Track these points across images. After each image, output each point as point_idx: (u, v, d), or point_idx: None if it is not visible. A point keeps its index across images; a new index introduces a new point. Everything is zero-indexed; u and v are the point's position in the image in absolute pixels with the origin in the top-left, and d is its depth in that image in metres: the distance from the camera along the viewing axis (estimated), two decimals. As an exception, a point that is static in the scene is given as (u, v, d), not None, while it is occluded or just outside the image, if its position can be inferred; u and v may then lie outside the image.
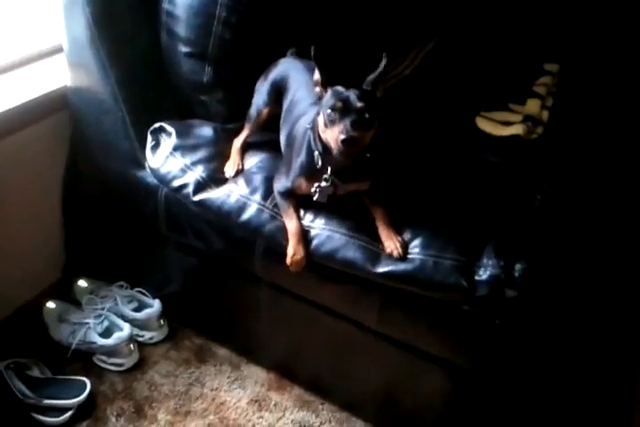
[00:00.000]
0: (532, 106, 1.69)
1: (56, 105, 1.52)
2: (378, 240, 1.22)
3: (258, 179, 1.36)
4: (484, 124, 1.61)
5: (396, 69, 1.89)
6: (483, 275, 1.13)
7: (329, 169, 1.20)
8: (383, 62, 1.21)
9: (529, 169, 1.43)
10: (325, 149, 1.18)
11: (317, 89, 1.21)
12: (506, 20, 2.08)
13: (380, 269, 1.19)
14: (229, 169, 1.38)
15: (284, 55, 1.46)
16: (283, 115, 1.37)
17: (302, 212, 1.28)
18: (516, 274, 1.12)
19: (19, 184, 1.54)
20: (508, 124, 1.61)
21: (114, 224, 1.64)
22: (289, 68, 1.39)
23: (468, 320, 1.19)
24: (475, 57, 1.93)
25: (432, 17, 2.11)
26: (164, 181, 1.39)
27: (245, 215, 1.31)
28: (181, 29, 1.43)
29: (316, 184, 1.22)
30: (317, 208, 1.27)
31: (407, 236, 1.22)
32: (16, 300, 1.65)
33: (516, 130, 1.57)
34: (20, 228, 1.58)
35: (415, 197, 1.31)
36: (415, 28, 2.04)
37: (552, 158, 1.48)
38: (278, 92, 1.38)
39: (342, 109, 1.12)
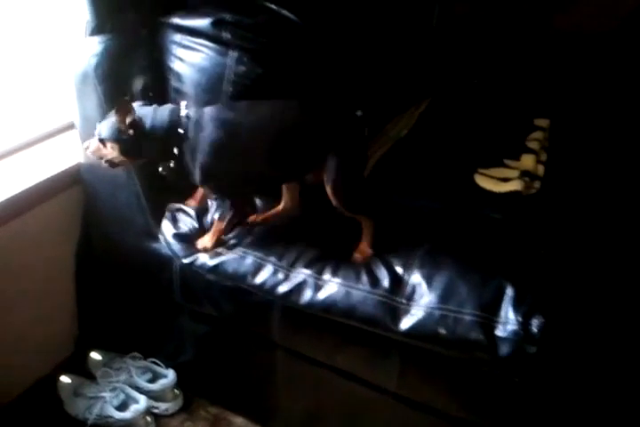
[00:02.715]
0: (527, 161, 1.75)
1: (69, 182, 1.56)
2: (394, 293, 1.25)
3: (271, 240, 1.40)
4: (483, 181, 1.66)
5: (392, 130, 1.98)
6: (503, 331, 1.15)
7: None
8: None
9: (531, 224, 1.47)
10: None
11: None
12: (496, 78, 2.20)
13: (402, 327, 1.21)
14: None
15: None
16: None
17: (320, 266, 1.32)
18: (535, 329, 1.14)
19: (32, 259, 1.56)
20: (506, 180, 1.66)
21: (127, 296, 1.66)
22: None
23: (486, 379, 1.21)
24: (467, 115, 2.02)
25: (424, 78, 2.22)
26: (177, 255, 1.43)
27: (261, 276, 1.34)
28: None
29: None
30: (336, 263, 1.31)
31: (422, 290, 1.24)
32: (31, 375, 1.64)
33: (515, 186, 1.62)
34: (34, 302, 1.60)
35: (424, 252, 1.34)
36: (408, 90, 2.14)
37: (552, 212, 1.53)
38: None
39: None
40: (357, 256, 1.37)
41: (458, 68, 2.28)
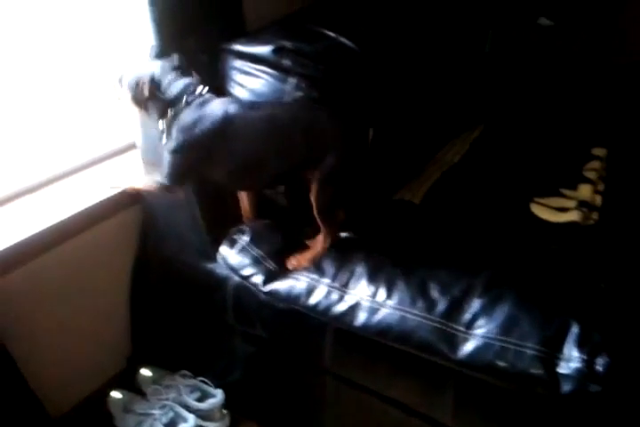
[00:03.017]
0: (585, 191, 1.72)
1: (129, 201, 1.61)
2: (451, 320, 1.23)
3: (325, 262, 1.40)
4: (540, 211, 1.64)
5: (445, 156, 1.98)
6: (566, 368, 1.12)
7: None
8: None
9: (590, 256, 1.44)
10: None
11: None
12: (552, 107, 2.17)
13: (459, 355, 1.19)
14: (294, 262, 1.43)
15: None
16: None
17: (374, 288, 1.31)
18: (600, 368, 1.10)
19: (89, 275, 1.60)
20: (563, 210, 1.64)
21: (180, 314, 1.69)
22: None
23: (547, 416, 1.18)
24: (523, 143, 2.00)
25: (477, 104, 2.22)
26: (235, 269, 1.45)
27: (314, 298, 1.35)
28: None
29: None
30: (390, 284, 1.30)
31: (482, 318, 1.22)
32: (82, 390, 1.67)
33: (573, 216, 1.60)
34: (89, 317, 1.63)
35: (484, 279, 1.32)
36: (461, 115, 2.14)
37: (611, 245, 1.49)
38: None
39: None
40: (292, 262, 1.40)
41: (512, 94, 2.27)
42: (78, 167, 1.62)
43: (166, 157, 1.35)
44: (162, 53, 1.48)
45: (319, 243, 1.41)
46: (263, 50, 1.47)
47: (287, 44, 1.48)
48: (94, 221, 1.54)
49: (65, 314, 1.56)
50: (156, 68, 1.37)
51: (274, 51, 1.47)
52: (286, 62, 1.46)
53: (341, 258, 1.39)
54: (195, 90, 1.36)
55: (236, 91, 1.52)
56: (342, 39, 1.59)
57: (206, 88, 1.38)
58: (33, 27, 1.44)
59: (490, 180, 1.80)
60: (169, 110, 1.35)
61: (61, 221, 1.44)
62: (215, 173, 1.37)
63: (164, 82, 1.35)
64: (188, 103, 1.34)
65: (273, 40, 1.50)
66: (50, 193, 1.53)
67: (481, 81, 2.28)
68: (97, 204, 1.52)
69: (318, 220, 1.37)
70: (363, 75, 1.61)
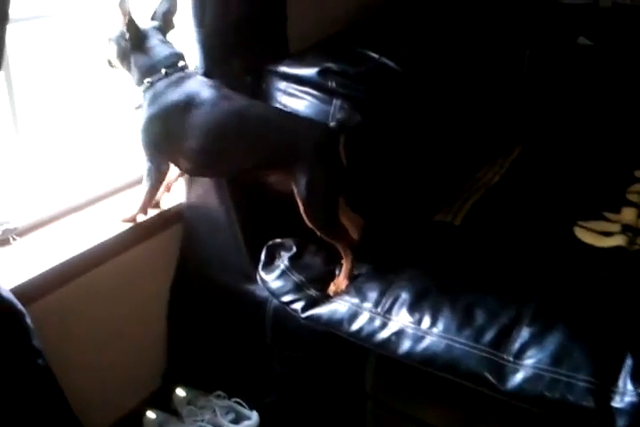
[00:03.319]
0: (628, 215, 1.70)
1: (170, 220, 1.61)
2: (499, 349, 1.20)
3: (367, 287, 1.38)
4: (584, 235, 1.61)
5: (484, 177, 1.96)
6: (620, 402, 1.09)
7: None
8: None
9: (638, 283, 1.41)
10: None
11: None
12: (592, 128, 2.15)
13: (508, 386, 1.16)
14: (334, 286, 1.41)
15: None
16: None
17: (418, 314, 1.29)
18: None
19: (128, 294, 1.60)
20: (607, 234, 1.61)
21: (217, 333, 1.67)
22: None
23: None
24: (563, 164, 1.98)
25: (516, 124, 2.20)
26: (275, 293, 1.43)
27: (357, 324, 1.32)
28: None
29: None
30: (435, 310, 1.28)
31: (532, 348, 1.19)
32: (118, 409, 1.66)
33: (618, 241, 1.57)
34: (127, 336, 1.63)
35: (533, 307, 1.29)
36: (499, 136, 2.12)
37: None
38: None
39: None
40: (331, 289, 1.38)
41: (551, 115, 2.25)
42: (120, 187, 1.63)
43: (139, 129, 1.36)
44: (206, 75, 1.50)
45: (344, 259, 1.40)
46: (308, 72, 1.48)
47: (332, 65, 1.49)
48: (134, 241, 1.54)
49: (103, 333, 1.56)
50: (146, 25, 1.37)
51: (319, 72, 1.47)
52: (332, 84, 1.46)
53: (383, 282, 1.37)
54: (176, 62, 1.36)
55: (280, 112, 1.52)
56: (385, 60, 1.59)
57: (189, 62, 1.38)
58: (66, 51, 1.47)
59: (531, 201, 1.78)
60: (145, 80, 1.34)
61: (102, 242, 1.44)
62: (178, 155, 1.36)
63: (150, 41, 1.34)
64: (166, 75, 1.34)
65: (318, 62, 1.50)
66: (91, 213, 1.54)
67: (519, 101, 2.26)
68: (136, 224, 1.53)
69: (320, 234, 1.36)
70: (405, 95, 1.61)
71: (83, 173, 1.57)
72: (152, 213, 1.56)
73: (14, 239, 1.39)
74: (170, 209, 1.59)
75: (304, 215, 1.33)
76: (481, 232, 1.64)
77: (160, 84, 1.33)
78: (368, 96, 1.50)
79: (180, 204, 1.60)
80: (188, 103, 1.32)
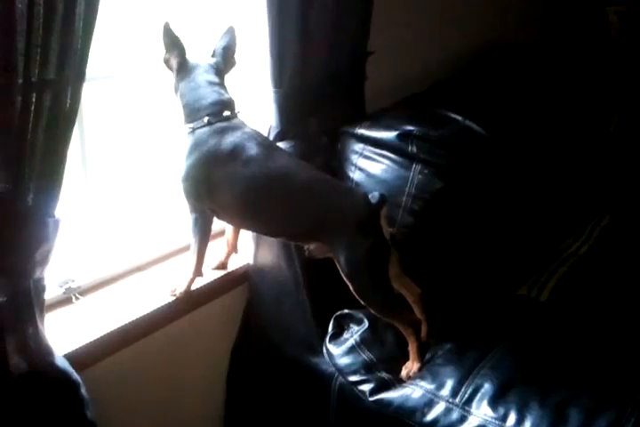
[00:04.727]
0: None
1: (238, 281, 1.55)
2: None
3: (444, 371, 1.26)
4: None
5: (570, 247, 1.81)
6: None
7: None
8: None
9: None
10: None
11: None
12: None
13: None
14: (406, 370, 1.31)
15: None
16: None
17: (503, 409, 1.16)
18: None
19: (188, 358, 1.53)
20: None
21: (278, 406, 1.57)
22: None
23: None
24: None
25: (604, 190, 2.05)
26: (342, 371, 1.33)
27: (431, 414, 1.21)
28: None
29: None
30: (522, 404, 1.15)
31: None
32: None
33: None
34: (184, 403, 1.55)
35: (636, 418, 1.13)
36: (586, 203, 1.97)
37: None
38: None
39: None
40: (403, 373, 1.29)
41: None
42: (186, 247, 1.58)
43: (180, 179, 1.29)
44: (282, 136, 1.45)
45: (408, 340, 1.30)
46: (388, 135, 1.41)
47: (413, 128, 1.41)
48: (197, 303, 1.47)
49: (158, 399, 1.49)
50: (200, 61, 1.30)
51: (399, 136, 1.40)
52: (412, 148, 1.39)
53: (462, 367, 1.25)
54: (221, 111, 1.27)
55: (356, 175, 1.46)
56: (469, 123, 1.50)
57: (236, 111, 1.30)
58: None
59: (625, 274, 1.63)
60: (187, 125, 1.28)
61: (164, 305, 1.38)
62: (217, 208, 1.30)
63: (197, 80, 1.27)
64: (209, 123, 1.26)
65: (397, 124, 1.43)
66: (157, 272, 1.49)
67: (607, 163, 2.12)
68: (204, 285, 1.46)
69: (373, 312, 1.29)
70: (490, 161, 1.51)
71: (151, 230, 1.54)
72: (218, 273, 1.51)
73: (77, 298, 1.35)
74: (236, 270, 1.53)
75: (353, 292, 1.25)
76: (570, 310, 1.49)
77: (201, 133, 1.27)
78: (450, 161, 1.41)
79: (247, 264, 1.54)
80: (231, 157, 1.25)
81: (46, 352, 1.05)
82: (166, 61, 1.29)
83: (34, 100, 0.91)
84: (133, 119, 1.45)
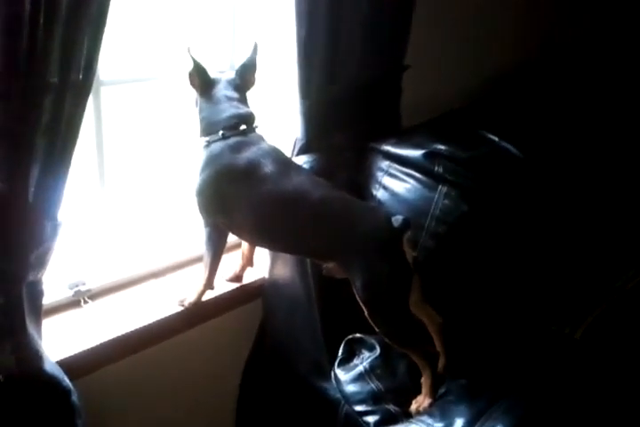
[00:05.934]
0: None
1: (253, 294, 1.51)
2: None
3: (455, 410, 1.18)
4: None
5: (619, 280, 1.68)
6: None
7: None
8: None
9: None
10: None
11: None
12: None
13: None
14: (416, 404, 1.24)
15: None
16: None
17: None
18: None
19: (198, 370, 1.51)
20: None
21: (286, 425, 1.52)
22: None
23: None
24: None
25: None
26: (348, 399, 1.27)
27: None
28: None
29: None
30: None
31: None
32: None
33: None
34: (190, 414, 1.53)
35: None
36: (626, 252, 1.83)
37: None
38: None
39: None
40: (412, 406, 1.23)
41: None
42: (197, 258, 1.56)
43: (194, 192, 1.27)
44: (306, 149, 1.41)
45: (422, 372, 1.23)
46: (414, 153, 1.35)
47: (441, 147, 1.35)
48: (208, 315, 1.45)
49: (165, 410, 1.46)
50: (222, 75, 1.28)
51: (425, 155, 1.34)
52: (438, 169, 1.32)
53: (475, 407, 1.17)
54: (237, 125, 1.24)
55: (380, 193, 1.40)
56: (505, 144, 1.42)
57: (254, 126, 1.27)
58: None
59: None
60: (203, 138, 1.25)
61: (174, 313, 1.36)
62: (230, 224, 1.27)
63: (217, 94, 1.25)
64: (223, 137, 1.23)
65: (426, 142, 1.37)
66: (171, 279, 1.47)
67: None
68: (218, 296, 1.43)
69: (387, 341, 1.24)
70: (524, 185, 1.41)
71: (168, 237, 1.52)
72: (232, 286, 1.47)
73: (85, 302, 1.34)
74: (251, 283, 1.50)
75: (368, 317, 1.19)
76: (604, 349, 1.37)
77: (216, 147, 1.24)
78: (477, 184, 1.33)
79: (263, 278, 1.50)
80: (245, 174, 1.22)
81: (36, 358, 1.03)
82: (191, 80, 1.28)
83: (36, 103, 0.91)
84: (155, 125, 1.44)
